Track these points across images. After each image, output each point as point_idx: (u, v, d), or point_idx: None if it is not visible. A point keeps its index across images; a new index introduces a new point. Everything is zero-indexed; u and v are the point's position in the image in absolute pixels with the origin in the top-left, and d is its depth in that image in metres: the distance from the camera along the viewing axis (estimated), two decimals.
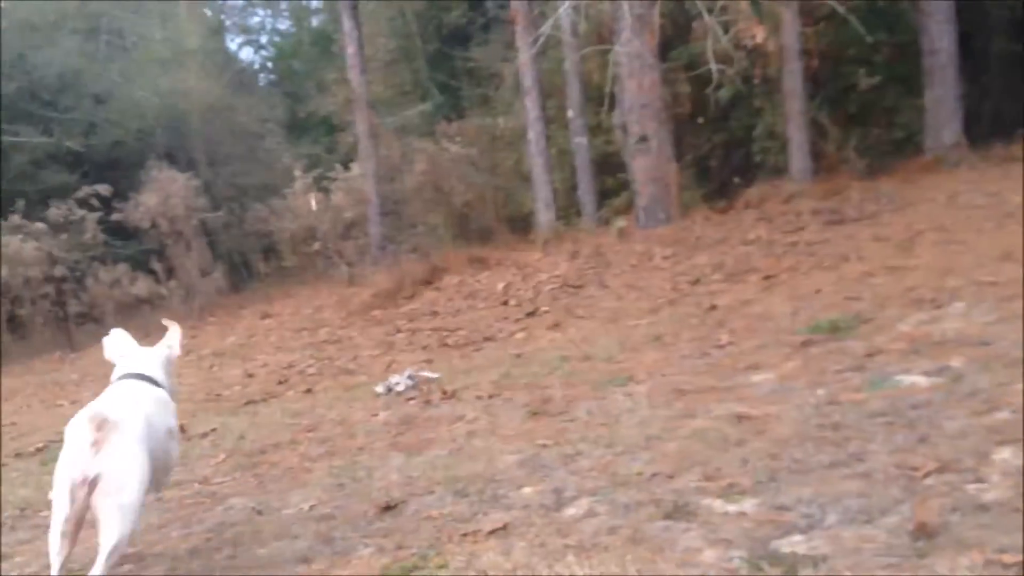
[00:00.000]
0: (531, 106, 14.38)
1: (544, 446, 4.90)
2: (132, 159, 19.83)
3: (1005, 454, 3.56)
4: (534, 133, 14.38)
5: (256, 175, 21.44)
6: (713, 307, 7.68)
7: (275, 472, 5.46)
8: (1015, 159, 11.87)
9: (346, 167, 18.22)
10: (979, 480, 3.37)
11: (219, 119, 22.10)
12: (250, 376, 9.25)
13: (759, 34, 11.58)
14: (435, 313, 10.50)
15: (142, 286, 16.84)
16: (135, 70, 21.87)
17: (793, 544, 3.15)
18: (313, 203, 17.40)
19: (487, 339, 8.60)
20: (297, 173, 18.12)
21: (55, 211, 16.72)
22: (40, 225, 16.32)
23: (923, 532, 2.99)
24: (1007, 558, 2.72)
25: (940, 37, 12.99)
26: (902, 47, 13.85)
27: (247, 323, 13.74)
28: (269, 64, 30.81)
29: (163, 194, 17.15)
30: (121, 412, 3.64)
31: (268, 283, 18.02)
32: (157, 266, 17.07)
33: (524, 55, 14.15)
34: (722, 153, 14.57)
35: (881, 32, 13.32)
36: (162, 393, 4.31)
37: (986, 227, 8.35)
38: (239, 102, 23.38)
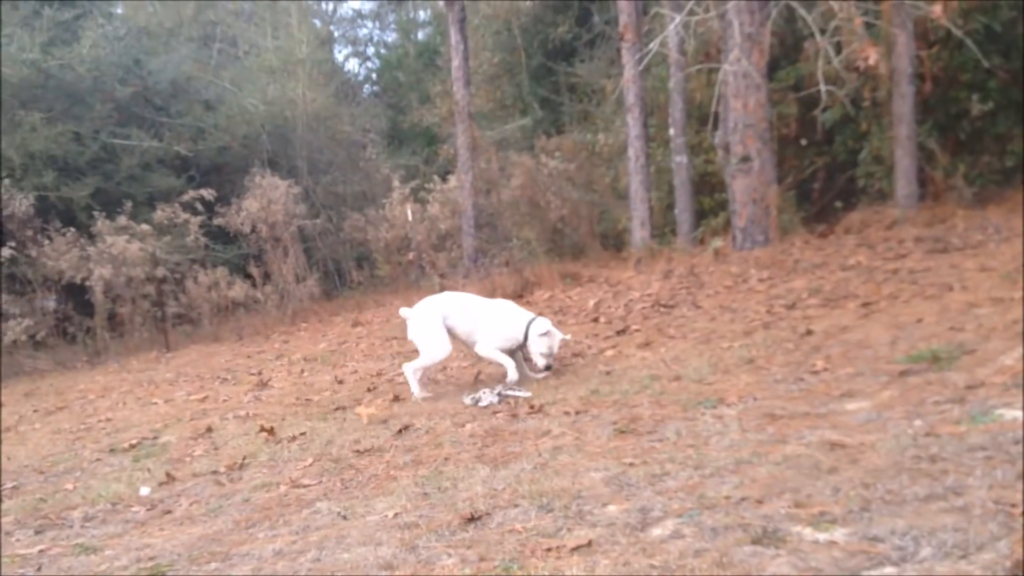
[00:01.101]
0: (632, 123, 14.32)
1: (631, 464, 4.87)
2: (237, 165, 20.35)
3: None
4: (634, 150, 14.31)
5: (355, 184, 21.78)
6: (809, 332, 7.53)
7: (361, 478, 5.52)
8: None
9: (443, 179, 18.46)
10: None
11: (323, 128, 22.51)
12: (340, 382, 9.38)
13: (872, 56, 11.33)
14: None
15: (238, 290, 17.24)
16: (245, 78, 22.44)
17: None
18: (409, 213, 17.62)
19: (576, 355, 8.57)
20: (395, 183, 18.41)
21: (160, 213, 17.25)
22: (145, 227, 16.84)
23: (1020, 570, 2.89)
24: None
25: None
26: (1017, 73, 13.42)
27: (338, 330, 13.95)
28: (374, 75, 31.34)
29: (264, 200, 17.58)
30: None
31: (360, 291, 18.25)
32: (254, 271, 17.49)
33: (629, 71, 14.10)
34: (824, 176, 14.27)
35: (996, 57, 12.94)
36: None
37: None
38: (343, 112, 23.78)
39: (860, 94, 12.89)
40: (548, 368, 7.75)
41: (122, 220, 16.79)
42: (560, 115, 19.57)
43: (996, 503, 3.51)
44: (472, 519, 4.33)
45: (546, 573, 3.50)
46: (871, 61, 10.88)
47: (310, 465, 6.04)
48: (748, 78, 11.95)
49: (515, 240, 16.25)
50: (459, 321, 7.99)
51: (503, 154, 17.87)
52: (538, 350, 7.72)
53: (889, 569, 3.13)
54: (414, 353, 8.12)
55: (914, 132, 12.40)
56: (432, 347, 7.87)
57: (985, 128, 13.44)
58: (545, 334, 7.68)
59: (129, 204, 17.18)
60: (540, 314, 8.33)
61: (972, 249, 9.69)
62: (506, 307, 8.21)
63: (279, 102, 21.60)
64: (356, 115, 24.58)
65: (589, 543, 3.79)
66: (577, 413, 6.34)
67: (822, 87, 11.45)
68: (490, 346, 7.88)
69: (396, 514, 4.64)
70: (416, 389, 7.84)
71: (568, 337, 8.20)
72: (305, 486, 5.55)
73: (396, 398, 7.88)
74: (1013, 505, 3.45)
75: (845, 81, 12.10)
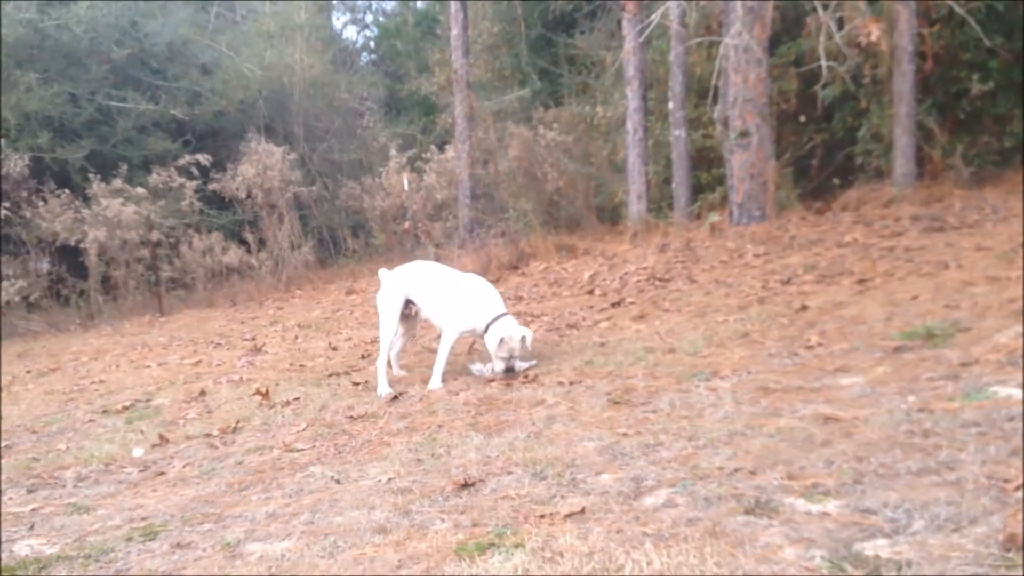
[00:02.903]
0: (632, 96, 14.26)
1: (624, 435, 4.88)
2: (233, 130, 20.27)
3: None
4: (632, 123, 14.26)
5: (351, 152, 21.69)
6: (804, 308, 7.53)
7: (354, 444, 5.54)
8: None
9: (441, 149, 18.39)
10: None
11: (320, 95, 22.38)
12: (334, 349, 9.38)
13: (874, 32, 11.29)
14: (520, 298, 10.50)
15: (233, 255, 17.24)
16: (242, 42, 22.28)
17: (877, 548, 3.09)
18: (406, 183, 17.56)
19: (570, 326, 8.57)
20: (392, 152, 18.35)
21: (156, 177, 17.21)
22: (140, 190, 16.80)
23: (1013, 544, 2.90)
24: None
25: None
26: (1018, 54, 13.38)
27: (333, 297, 13.95)
28: (372, 43, 31.12)
29: (260, 166, 17.53)
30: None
31: (355, 259, 18.25)
32: (249, 237, 17.46)
33: (629, 43, 14.03)
34: (823, 153, 14.25)
35: (998, 37, 12.89)
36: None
37: None
38: (340, 79, 23.64)
39: (860, 71, 12.85)
40: (509, 371, 6.81)
41: (117, 183, 16.73)
42: (559, 87, 19.47)
43: (989, 478, 3.52)
44: (465, 485, 4.34)
45: (539, 539, 3.51)
46: (872, 37, 10.84)
47: (303, 430, 6.06)
48: (749, 52, 11.89)
49: (511, 211, 16.22)
50: (422, 296, 7.21)
51: (501, 125, 17.79)
52: (494, 352, 6.84)
53: (881, 541, 3.14)
54: None
55: (913, 110, 12.37)
56: (383, 325, 7.16)
57: (985, 108, 13.42)
58: (501, 342, 6.77)
59: (124, 167, 17.10)
60: (523, 296, 8.29)
61: (969, 228, 9.69)
62: (475, 289, 7.18)
63: (276, 68, 21.45)
64: (353, 83, 24.44)
65: (582, 510, 3.80)
66: (571, 383, 6.34)
67: (823, 63, 11.42)
68: (451, 334, 7.01)
69: (389, 479, 4.65)
70: (381, 385, 6.94)
71: (529, 333, 6.98)
72: (298, 450, 5.56)
73: (390, 366, 7.87)
74: (1006, 480, 3.46)
75: (846, 57, 12.05)
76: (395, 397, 6.62)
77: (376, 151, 20.57)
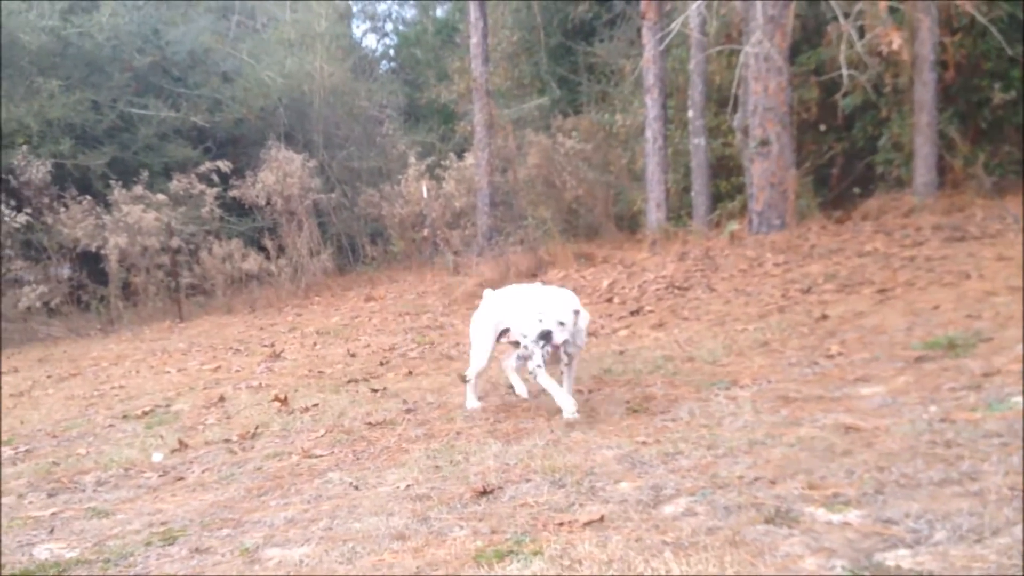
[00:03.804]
0: (651, 104, 14.26)
1: (643, 443, 4.86)
2: (253, 137, 20.36)
3: None
4: (652, 132, 14.25)
5: (371, 160, 21.73)
6: (824, 317, 7.50)
7: (373, 450, 5.54)
8: None
9: (460, 156, 18.43)
10: None
11: (339, 103, 22.45)
12: (352, 356, 9.40)
13: (895, 41, 11.23)
14: None
15: (252, 262, 17.30)
16: (263, 50, 22.39)
17: (899, 558, 3.07)
18: (424, 190, 17.61)
19: (589, 334, 8.54)
20: (411, 160, 18.41)
21: (176, 184, 17.32)
22: (161, 196, 16.91)
23: None
24: None
25: None
26: None
27: (351, 304, 13.99)
28: (391, 51, 31.20)
29: (280, 173, 17.62)
30: None
31: (374, 267, 18.29)
32: (268, 243, 17.54)
33: (649, 51, 14.03)
34: (843, 162, 14.19)
35: (1020, 46, 12.82)
36: None
37: None
38: (360, 87, 23.70)
39: (881, 80, 12.79)
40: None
41: (138, 189, 16.85)
42: (578, 95, 19.48)
43: (1011, 489, 3.49)
44: (484, 492, 4.33)
45: (558, 547, 3.49)
46: (894, 46, 10.79)
47: (322, 436, 6.07)
48: (769, 61, 11.87)
49: (530, 219, 16.22)
50: (515, 323, 6.16)
51: (520, 133, 17.83)
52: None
53: (903, 551, 3.11)
54: (431, 331, 8.08)
55: (935, 119, 12.30)
56: (474, 354, 6.37)
57: (1007, 117, 13.34)
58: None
59: (145, 173, 17.22)
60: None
61: (990, 238, 9.63)
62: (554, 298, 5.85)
63: (296, 76, 21.54)
64: (373, 90, 24.49)
65: (601, 518, 3.79)
66: (590, 391, 6.34)
67: (844, 71, 11.38)
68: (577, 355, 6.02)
69: (408, 486, 4.64)
70: (469, 398, 6.47)
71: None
72: (317, 456, 5.57)
73: (410, 373, 7.89)
74: None
75: (867, 66, 12.00)
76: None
77: (395, 159, 20.61)
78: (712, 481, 4.11)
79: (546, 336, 5.53)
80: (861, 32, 11.65)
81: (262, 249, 17.71)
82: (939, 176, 12.33)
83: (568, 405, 5.63)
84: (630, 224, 15.64)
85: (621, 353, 7.51)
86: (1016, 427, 4.19)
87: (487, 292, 6.56)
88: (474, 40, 16.81)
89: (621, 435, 5.08)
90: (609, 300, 10.20)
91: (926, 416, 4.59)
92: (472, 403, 6.39)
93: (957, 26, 12.84)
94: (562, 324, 5.53)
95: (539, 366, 5.62)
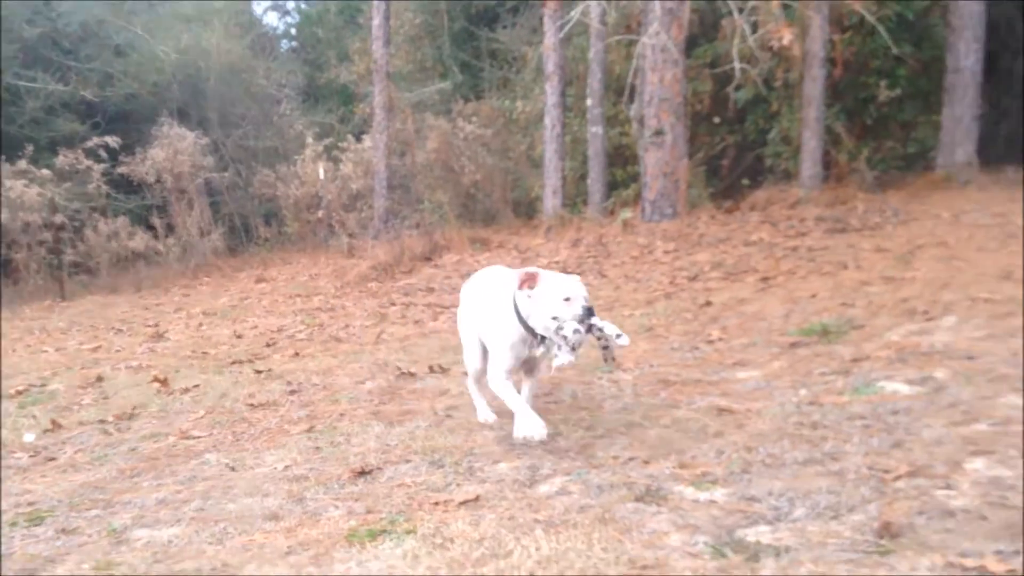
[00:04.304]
0: (551, 91, 14.35)
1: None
2: (144, 113, 19.85)
3: (977, 464, 3.56)
4: (550, 119, 14.35)
5: (267, 139, 21.37)
6: (708, 303, 7.66)
7: (253, 431, 5.47)
8: None
9: (358, 138, 18.24)
10: (949, 487, 3.37)
11: (236, 81, 22.01)
12: (239, 337, 9.26)
13: (786, 36, 11.50)
14: (431, 289, 10.50)
15: (139, 241, 16.91)
16: (158, 25, 21.82)
17: (759, 534, 3.16)
18: (321, 172, 17.39)
19: None
20: (309, 140, 18.14)
21: (62, 159, 16.77)
22: (45, 172, 16.36)
23: (887, 532, 2.99)
24: (968, 562, 2.72)
25: (966, 55, 12.92)
26: (926, 62, 13.79)
27: (241, 285, 13.78)
28: (292, 30, 30.69)
29: (171, 150, 17.23)
30: None
31: (267, 248, 18.03)
32: (157, 222, 17.13)
33: (549, 39, 14.11)
34: (734, 153, 14.51)
35: (907, 45, 13.26)
36: None
37: (988, 246, 8.32)
38: (258, 65, 23.26)
39: (773, 75, 13.09)
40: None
41: (22, 164, 16.26)
42: (480, 80, 19.47)
43: (870, 468, 3.63)
44: (362, 473, 4.32)
45: (431, 525, 3.50)
46: (785, 42, 11.05)
47: (202, 417, 5.96)
48: (666, 52, 12.03)
49: (427, 203, 16.18)
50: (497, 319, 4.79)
51: (420, 116, 17.73)
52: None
53: (763, 527, 3.21)
54: (322, 313, 7.98)
55: (822, 115, 12.66)
56: (464, 351, 5.17)
57: (891, 114, 13.80)
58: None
59: (30, 148, 16.63)
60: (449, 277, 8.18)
61: (870, 230, 9.95)
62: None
63: (192, 51, 21.05)
64: (272, 69, 24.05)
65: (477, 498, 3.81)
66: None
67: (736, 65, 11.60)
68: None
69: (286, 467, 4.60)
70: (482, 410, 5.19)
71: None
72: (195, 437, 5.47)
73: (296, 354, 7.81)
74: (886, 471, 3.57)
75: (759, 61, 12.26)
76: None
77: (292, 139, 20.30)
78: (588, 461, 4.17)
79: (590, 312, 4.30)
80: (755, 27, 11.89)
81: (150, 228, 17.29)
82: (824, 169, 12.69)
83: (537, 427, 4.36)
84: (528, 210, 15.72)
85: None
86: (879, 410, 4.35)
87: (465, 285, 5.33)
88: (376, 22, 16.64)
89: (504, 417, 5.09)
90: None
91: (795, 399, 4.74)
92: (485, 414, 5.13)
93: (847, 24, 13.22)
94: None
95: (570, 360, 4.28)
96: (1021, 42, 15.93)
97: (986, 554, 2.79)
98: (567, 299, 4.29)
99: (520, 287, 4.41)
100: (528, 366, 4.76)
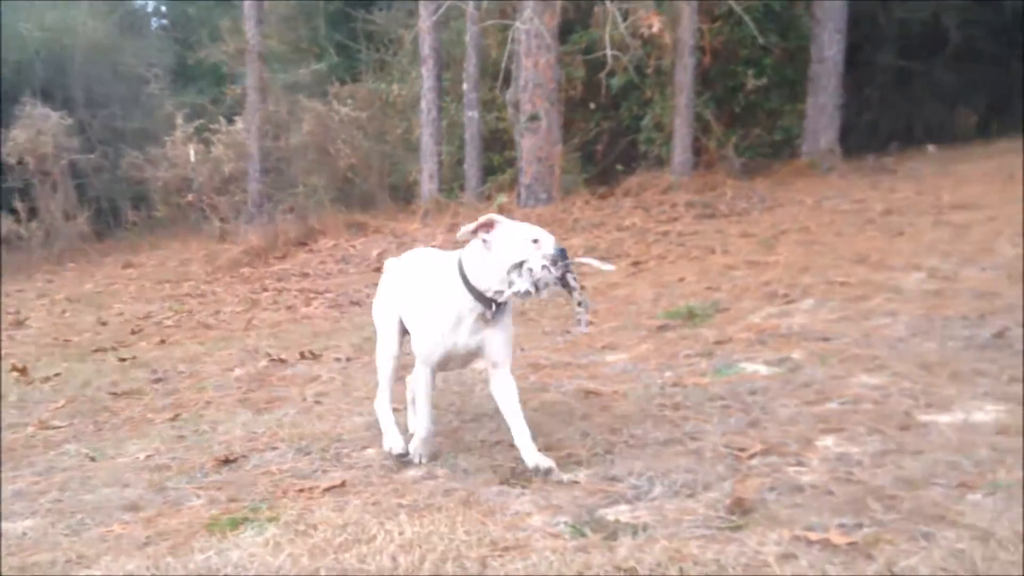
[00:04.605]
0: (427, 75, 14.30)
1: (396, 409, 4.86)
2: (6, 92, 19.01)
3: (827, 441, 3.71)
4: (427, 103, 14.31)
5: (135, 120, 20.77)
6: (582, 288, 7.76)
7: (115, 421, 5.35)
8: (885, 170, 12.37)
9: (230, 120, 17.82)
10: (799, 464, 3.50)
11: (103, 60, 21.30)
12: (103, 324, 9.00)
13: (656, 24, 11.72)
14: (305, 274, 10.39)
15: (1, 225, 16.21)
16: (21, 1, 20.92)
17: (618, 513, 3.23)
18: (192, 154, 16.96)
19: (354, 303, 8.55)
20: (178, 121, 17.65)
21: None
22: None
23: (739, 508, 3.10)
24: (812, 535, 2.83)
25: (829, 46, 13.38)
26: (791, 52, 14.23)
27: (108, 271, 13.38)
28: (163, 8, 29.86)
29: (34, 131, 16.57)
30: None
31: (136, 232, 17.54)
32: (19, 205, 16.46)
33: (424, 22, 14.05)
34: (609, 140, 14.72)
35: (773, 35, 13.65)
36: None
37: (847, 231, 8.66)
38: (127, 44, 22.58)
39: (645, 62, 13.31)
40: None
41: None
42: (356, 62, 19.25)
43: (727, 447, 3.74)
44: (227, 461, 4.26)
45: (295, 512, 3.48)
46: (655, 29, 11.27)
47: (62, 406, 5.78)
48: (540, 38, 12.11)
49: (302, 187, 15.95)
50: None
51: (295, 98, 17.46)
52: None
53: (623, 506, 3.29)
54: (191, 299, 7.77)
55: (692, 102, 12.94)
56: (378, 345, 4.49)
57: (758, 102, 14.21)
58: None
59: None
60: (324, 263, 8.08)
61: (737, 216, 10.25)
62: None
63: (57, 29, 20.28)
64: (141, 48, 23.37)
65: (343, 484, 3.80)
66: (348, 360, 6.34)
67: (608, 52, 11.76)
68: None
69: (148, 456, 4.50)
70: (390, 438, 4.17)
71: None
72: (55, 427, 5.31)
73: (162, 341, 7.62)
74: (741, 449, 3.69)
75: (631, 48, 12.45)
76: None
77: (162, 120, 19.73)
78: (456, 445, 4.20)
79: (563, 254, 3.68)
80: (626, 15, 12.07)
81: (12, 211, 16.60)
82: (695, 156, 12.99)
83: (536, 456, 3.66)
84: (405, 194, 15.66)
85: None
86: (738, 390, 4.49)
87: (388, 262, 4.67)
88: (248, 0, 16.30)
89: (373, 402, 5.09)
90: (377, 270, 10.05)
91: (660, 381, 4.85)
92: (392, 439, 4.14)
93: (716, 14, 13.54)
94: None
95: (527, 290, 3.60)
96: (882, 34, 16.62)
97: (830, 527, 2.91)
98: (535, 240, 3.64)
99: (475, 232, 3.73)
100: (474, 353, 3.90)
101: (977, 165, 12.03)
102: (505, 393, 3.86)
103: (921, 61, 17.15)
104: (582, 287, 3.81)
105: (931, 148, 14.42)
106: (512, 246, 3.63)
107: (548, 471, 3.59)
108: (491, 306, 3.77)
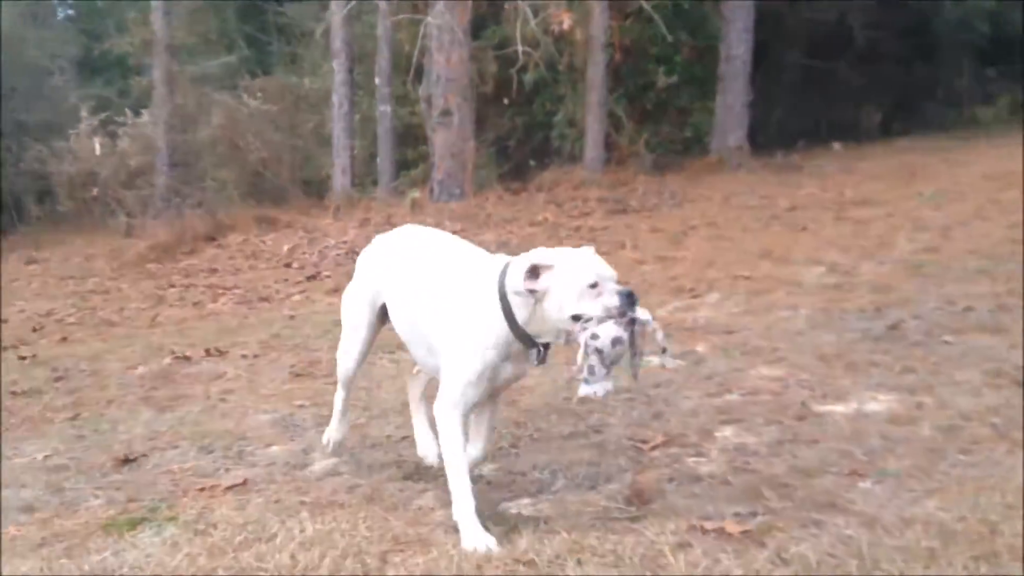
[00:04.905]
0: (339, 69, 14.18)
1: (301, 406, 4.87)
2: None
3: (727, 432, 3.80)
4: (339, 97, 14.18)
5: (39, 112, 20.14)
6: None
7: (13, 420, 5.19)
8: (792, 167, 12.65)
9: (137, 113, 17.40)
10: (699, 454, 3.59)
11: (6, 51, 20.59)
12: (3, 322, 8.70)
13: (566, 20, 11.79)
14: (214, 270, 10.22)
15: None
16: None
17: (520, 506, 3.28)
18: (97, 147, 16.53)
19: (263, 299, 8.44)
20: (84, 114, 17.17)
21: None
22: None
23: (639, 499, 3.15)
24: (708, 525, 2.90)
25: (738, 45, 13.62)
26: (701, 51, 14.45)
27: (10, 267, 12.94)
28: None
29: None
30: None
31: (39, 228, 17.00)
32: None
33: (336, 15, 13.93)
34: (522, 135, 14.79)
35: (683, 34, 13.85)
36: None
37: (753, 227, 8.85)
38: (31, 35, 21.90)
39: (557, 59, 13.39)
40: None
41: None
42: (268, 56, 19.04)
43: (629, 439, 3.81)
44: (126, 461, 4.18)
45: (195, 512, 3.43)
46: (565, 26, 11.35)
47: None
48: (452, 33, 12.10)
49: (211, 181, 15.67)
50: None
51: (203, 91, 17.14)
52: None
53: (525, 500, 3.33)
54: (95, 295, 7.56)
55: (604, 99, 13.06)
56: (342, 343, 3.85)
57: (669, 100, 14.41)
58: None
59: None
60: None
61: (647, 211, 10.39)
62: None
63: None
64: (46, 39, 22.69)
65: (245, 482, 3.77)
66: (255, 356, 6.25)
67: (520, 48, 11.80)
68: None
69: (46, 456, 4.39)
70: (333, 429, 3.89)
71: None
72: None
73: (64, 339, 7.43)
74: (643, 441, 3.75)
75: (542, 45, 12.52)
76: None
77: (66, 112, 19.16)
78: (362, 442, 4.19)
79: (631, 301, 2.97)
80: (537, 11, 12.12)
81: None
82: (607, 152, 13.13)
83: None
84: (318, 189, 15.49)
85: (292, 318, 7.46)
86: (643, 383, 4.53)
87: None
88: None
89: (280, 399, 5.05)
90: (288, 265, 10.08)
91: (566, 375, 4.87)
92: (334, 431, 3.87)
93: (627, 11, 13.68)
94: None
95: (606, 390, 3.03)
96: (790, 34, 16.98)
97: (726, 516, 2.98)
98: (593, 285, 2.93)
99: (524, 284, 2.94)
100: (510, 382, 3.35)
101: (879, 162, 12.37)
102: (486, 421, 3.38)
103: (827, 61, 17.55)
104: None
105: (836, 146, 14.79)
106: (569, 293, 2.93)
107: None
108: (539, 350, 3.12)
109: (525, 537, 2.94)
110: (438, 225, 10.49)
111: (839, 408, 3.99)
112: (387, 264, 3.63)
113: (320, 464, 3.95)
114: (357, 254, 9.37)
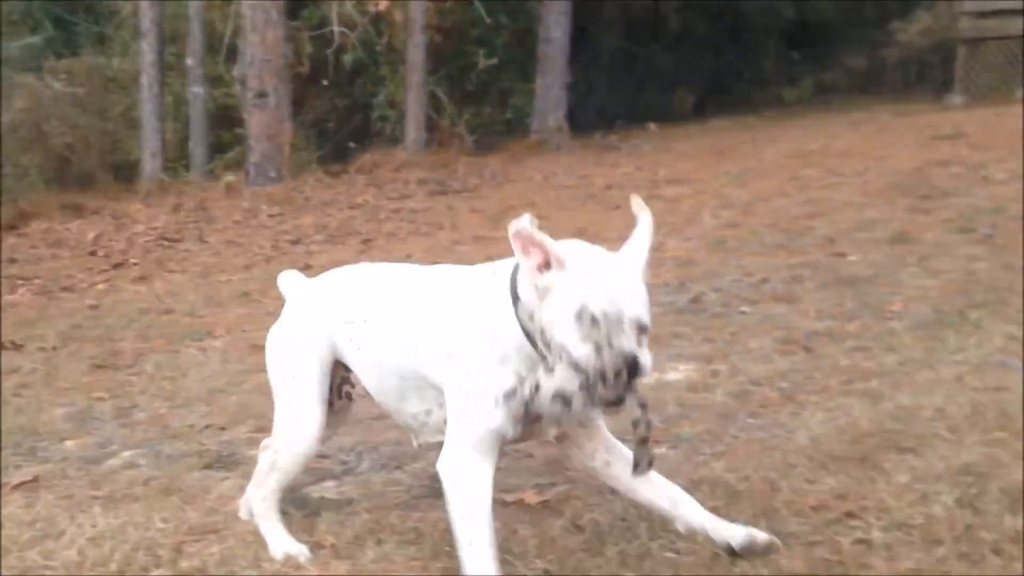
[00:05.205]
0: (148, 49, 13.60)
1: (100, 399, 4.69)
2: None
3: None
4: (148, 78, 13.62)
5: None
6: (307, 267, 7.65)
7: None
8: (610, 147, 12.93)
9: None
10: None
11: None
12: None
13: (383, 2, 11.69)
14: (13, 260, 9.63)
15: None
16: None
17: (324, 489, 3.25)
18: None
19: (65, 289, 8.03)
20: None
21: None
22: None
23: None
24: (508, 497, 2.94)
25: (555, 27, 13.77)
26: (520, 33, 14.57)
27: None
28: None
29: None
30: None
31: None
32: None
33: None
34: (342, 117, 14.60)
35: (502, 16, 13.93)
36: None
37: (570, 205, 9.00)
38: None
39: (375, 39, 13.27)
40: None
41: None
42: (75, 36, 18.09)
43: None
44: None
45: None
46: (381, 7, 11.24)
47: None
48: (266, 14, 11.79)
49: (12, 167, 14.83)
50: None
51: (6, 73, 16.18)
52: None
53: (330, 483, 3.30)
54: None
55: (425, 80, 13.02)
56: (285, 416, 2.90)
57: (490, 82, 14.50)
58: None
59: None
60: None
61: (468, 192, 10.44)
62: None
63: None
64: None
65: (35, 479, 3.59)
66: (54, 348, 5.94)
67: (335, 29, 11.64)
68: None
69: None
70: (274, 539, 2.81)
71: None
72: None
73: None
74: None
75: (359, 25, 12.38)
76: None
77: None
78: (162, 433, 4.08)
79: (634, 368, 2.22)
80: None
81: None
82: (428, 134, 13.10)
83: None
84: (129, 174, 14.87)
85: (95, 308, 7.11)
86: None
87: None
88: None
89: (78, 392, 4.84)
90: (93, 253, 9.61)
91: None
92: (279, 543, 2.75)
93: None
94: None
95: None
96: (607, 18, 17.31)
97: (526, 488, 3.01)
98: (592, 319, 2.13)
99: (531, 278, 2.26)
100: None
101: (693, 143, 12.76)
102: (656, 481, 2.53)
103: (643, 45, 17.97)
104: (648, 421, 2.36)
105: (652, 126, 15.16)
106: (562, 311, 2.17)
107: None
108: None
109: (325, 520, 2.90)
110: (253, 209, 10.40)
111: (642, 379, 4.07)
112: (343, 301, 2.89)
113: (117, 458, 3.79)
114: (168, 240, 9.14)
